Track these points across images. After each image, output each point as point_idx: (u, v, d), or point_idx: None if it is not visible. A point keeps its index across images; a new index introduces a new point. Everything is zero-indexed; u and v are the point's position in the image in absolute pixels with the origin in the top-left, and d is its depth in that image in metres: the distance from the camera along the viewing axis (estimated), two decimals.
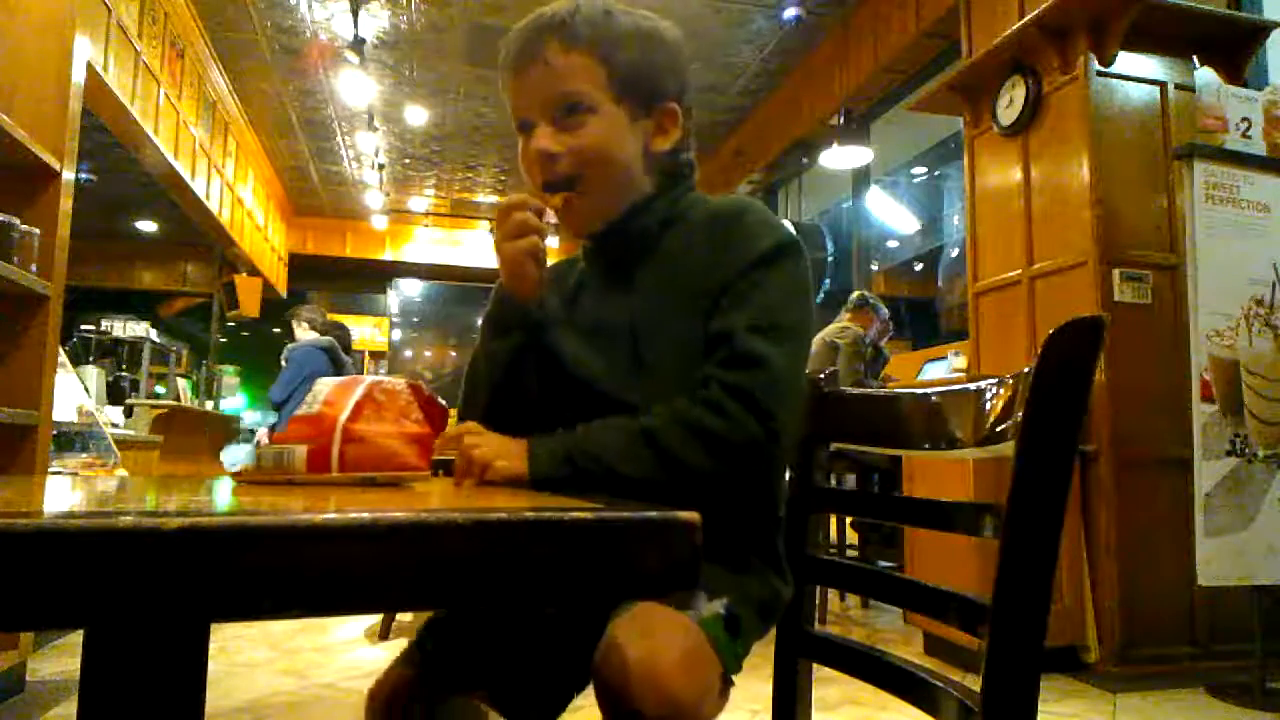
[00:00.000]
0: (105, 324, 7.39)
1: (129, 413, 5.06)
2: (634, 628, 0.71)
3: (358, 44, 5.19)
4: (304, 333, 5.00)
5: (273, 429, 4.89)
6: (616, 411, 0.89)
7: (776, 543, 0.95)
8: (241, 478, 0.76)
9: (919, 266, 9.99)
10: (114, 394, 5.95)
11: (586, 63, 0.91)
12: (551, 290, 1.02)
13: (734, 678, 0.81)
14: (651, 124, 0.95)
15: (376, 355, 11.05)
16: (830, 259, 6.47)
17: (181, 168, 5.53)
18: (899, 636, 3.21)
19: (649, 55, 0.94)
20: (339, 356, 5.02)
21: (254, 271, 8.44)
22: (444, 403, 0.81)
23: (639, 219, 0.96)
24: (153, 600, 0.35)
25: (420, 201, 9.28)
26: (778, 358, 0.83)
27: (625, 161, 0.93)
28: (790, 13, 5.09)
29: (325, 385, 0.76)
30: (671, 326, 0.90)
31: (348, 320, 6.84)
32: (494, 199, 9.16)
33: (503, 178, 8.53)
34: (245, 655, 2.84)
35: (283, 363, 4.93)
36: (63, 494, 0.65)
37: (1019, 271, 3.08)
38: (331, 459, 0.68)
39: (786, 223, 0.94)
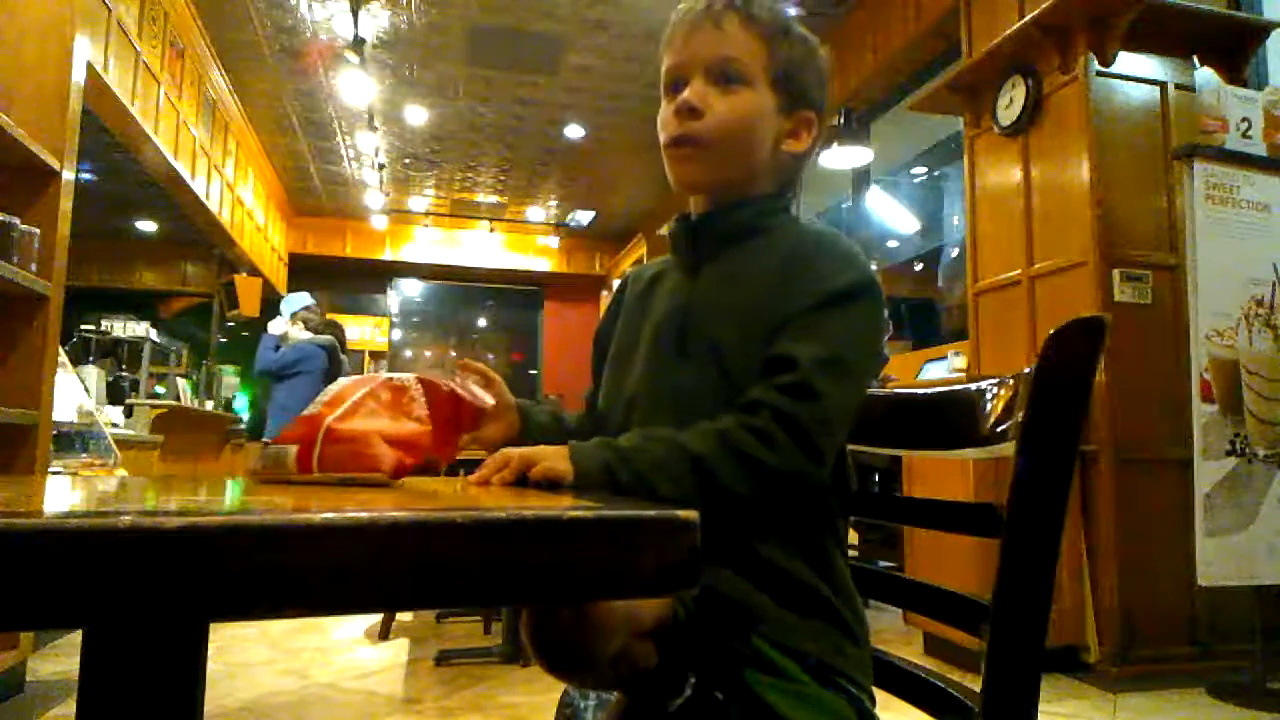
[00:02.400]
0: (105, 324, 7.39)
1: (129, 413, 5.07)
2: None
3: (358, 44, 5.19)
4: (299, 331, 4.99)
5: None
6: (647, 392, 0.93)
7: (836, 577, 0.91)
8: (256, 476, 0.76)
9: (919, 266, 9.98)
10: (114, 394, 5.95)
11: (755, 43, 0.94)
12: (630, 292, 1.07)
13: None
14: (790, 124, 0.97)
15: (376, 355, 11.05)
16: None
17: (181, 168, 5.53)
18: (899, 636, 3.21)
19: (807, 60, 0.98)
20: (338, 357, 5.03)
21: (254, 271, 8.44)
22: (480, 396, 0.80)
23: (742, 211, 0.97)
24: (152, 600, 0.35)
25: (420, 201, 9.28)
26: (835, 395, 0.82)
27: (758, 142, 0.95)
28: (790, 13, 5.09)
29: (338, 384, 0.76)
30: (719, 327, 0.91)
31: (347, 320, 6.84)
32: (494, 199, 9.17)
33: (503, 177, 8.53)
34: (245, 655, 2.84)
35: (269, 332, 4.91)
36: (63, 494, 0.65)
37: (1019, 271, 3.08)
38: (313, 459, 0.68)
39: (870, 263, 0.93)
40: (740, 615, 0.84)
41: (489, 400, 0.84)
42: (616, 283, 1.13)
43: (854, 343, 0.86)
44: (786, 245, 0.93)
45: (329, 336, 5.02)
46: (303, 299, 5.13)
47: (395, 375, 0.75)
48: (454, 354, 11.40)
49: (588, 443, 0.82)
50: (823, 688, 0.82)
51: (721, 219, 0.97)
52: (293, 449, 0.69)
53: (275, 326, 4.96)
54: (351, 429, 0.69)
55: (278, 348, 4.88)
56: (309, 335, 4.97)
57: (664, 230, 1.08)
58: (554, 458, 0.80)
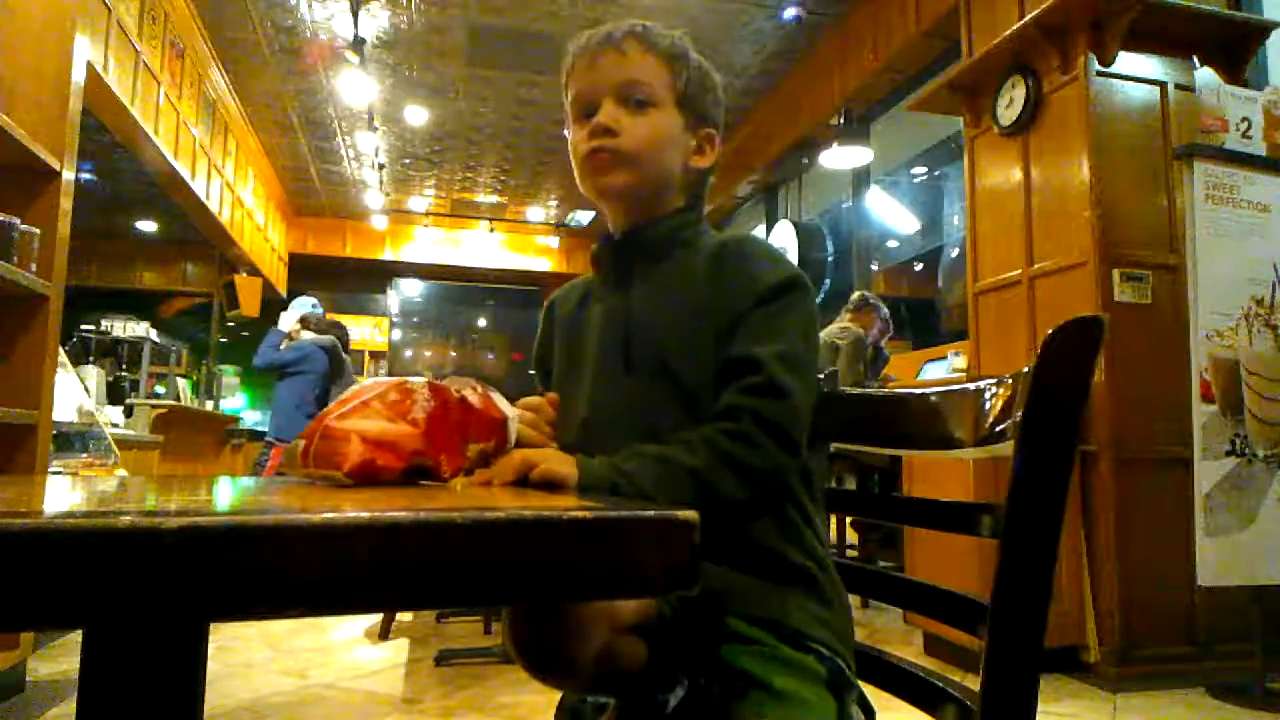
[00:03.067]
0: (105, 324, 7.39)
1: (129, 413, 5.07)
2: None
3: (358, 44, 5.19)
4: (303, 334, 5.04)
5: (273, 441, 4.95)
6: (600, 409, 0.96)
7: (816, 553, 0.95)
8: (283, 470, 0.78)
9: (919, 266, 9.99)
10: (114, 394, 5.95)
11: (658, 66, 1.00)
12: (559, 312, 1.10)
13: None
14: (695, 140, 1.02)
15: (376, 355, 11.05)
16: (830, 259, 6.46)
17: (181, 168, 5.53)
18: (899, 636, 3.21)
19: (705, 81, 1.03)
20: (339, 356, 5.06)
21: (254, 271, 8.44)
22: (497, 405, 0.80)
23: (661, 226, 1.01)
24: (152, 600, 0.35)
25: (420, 201, 9.28)
26: (799, 391, 0.87)
27: (670, 160, 1.00)
28: (790, 13, 5.10)
29: (365, 383, 0.78)
30: (663, 336, 0.94)
31: (347, 320, 6.85)
32: (494, 199, 9.17)
33: (503, 177, 8.54)
34: (245, 655, 2.84)
35: (277, 328, 4.98)
36: (63, 494, 0.65)
37: (1019, 271, 3.08)
38: (309, 454, 0.69)
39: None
40: (720, 599, 0.87)
41: (509, 411, 0.84)
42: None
43: (801, 336, 0.92)
44: (710, 252, 0.97)
45: (329, 337, 5.06)
46: (310, 302, 5.19)
47: (411, 379, 0.76)
48: (454, 354, 11.40)
49: (594, 459, 0.84)
50: (795, 650, 0.85)
51: (644, 234, 1.01)
52: (300, 444, 0.71)
53: (285, 322, 5.02)
54: (340, 427, 0.70)
55: (280, 346, 4.93)
56: (311, 335, 5.01)
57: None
58: (557, 460, 0.81)
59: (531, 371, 1.16)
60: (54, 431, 2.62)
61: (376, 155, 7.34)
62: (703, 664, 0.85)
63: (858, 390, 1.08)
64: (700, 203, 1.06)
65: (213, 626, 0.52)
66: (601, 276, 1.06)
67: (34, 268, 2.24)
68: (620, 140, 0.97)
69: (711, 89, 1.04)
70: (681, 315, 0.94)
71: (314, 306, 5.17)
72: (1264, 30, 2.97)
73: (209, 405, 8.02)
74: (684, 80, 1.00)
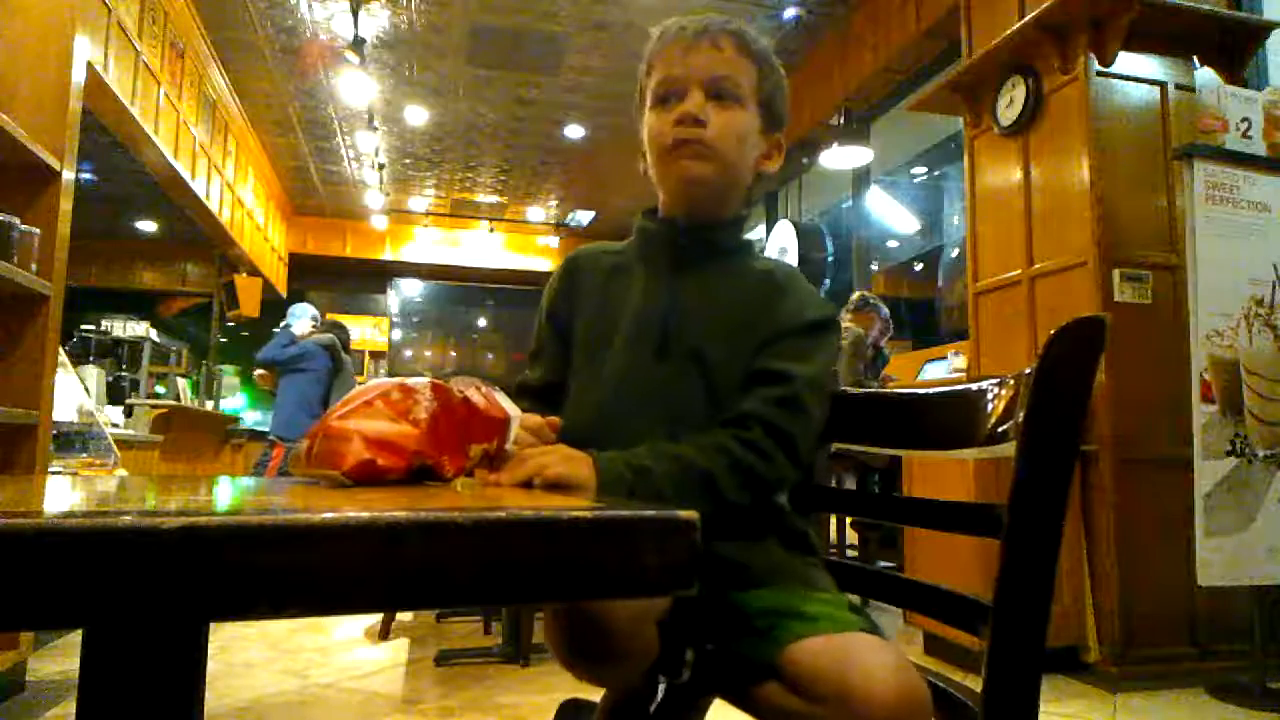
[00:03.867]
0: (105, 324, 7.40)
1: (129, 413, 5.07)
2: (874, 662, 0.75)
3: (358, 44, 5.19)
4: (304, 333, 5.11)
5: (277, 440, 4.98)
6: (627, 389, 0.98)
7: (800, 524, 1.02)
8: (282, 468, 0.79)
9: (919, 266, 9.99)
10: (114, 394, 5.96)
11: (749, 66, 1.02)
12: (584, 273, 1.09)
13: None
14: (766, 145, 1.05)
15: (376, 355, 11.05)
16: (830, 259, 6.46)
17: (181, 168, 5.53)
18: (899, 636, 3.21)
19: (782, 90, 1.06)
20: (339, 355, 5.08)
21: (254, 271, 8.44)
22: (499, 404, 0.80)
23: (728, 230, 1.04)
24: (152, 600, 0.35)
25: (420, 201, 9.28)
26: (816, 413, 0.93)
27: (746, 158, 1.02)
28: (790, 13, 5.10)
29: (372, 383, 0.78)
30: (705, 337, 0.97)
31: (347, 320, 6.86)
32: (494, 199, 9.17)
33: (503, 177, 8.53)
34: (245, 655, 2.84)
35: (288, 327, 5.09)
36: (63, 494, 0.65)
37: (1019, 271, 3.08)
38: (312, 454, 0.69)
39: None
40: (728, 573, 0.90)
41: (512, 411, 0.84)
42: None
43: (827, 368, 0.97)
44: (762, 271, 1.02)
45: (329, 335, 5.10)
46: (311, 311, 5.28)
47: (414, 379, 0.76)
48: (454, 354, 11.40)
49: (609, 457, 0.84)
50: (812, 589, 0.91)
51: (709, 234, 1.03)
52: (304, 444, 0.71)
53: (300, 327, 5.09)
54: (341, 426, 0.70)
55: (286, 346, 5.01)
56: (314, 336, 5.08)
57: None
58: (566, 461, 0.80)
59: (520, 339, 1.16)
60: (54, 431, 2.62)
61: (376, 155, 7.34)
62: (713, 627, 0.88)
63: (858, 390, 1.08)
64: (750, 210, 1.10)
65: (213, 626, 0.52)
66: (647, 255, 1.06)
67: (34, 268, 2.23)
68: (706, 132, 0.98)
69: (786, 98, 1.06)
70: (730, 321, 0.98)
71: (313, 317, 5.25)
72: (1264, 30, 2.97)
73: (209, 405, 8.01)
74: (769, 84, 1.03)
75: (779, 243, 6.26)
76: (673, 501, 0.83)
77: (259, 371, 5.19)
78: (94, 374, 4.81)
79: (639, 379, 0.98)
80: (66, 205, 2.42)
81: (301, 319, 5.15)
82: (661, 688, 0.92)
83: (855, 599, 0.94)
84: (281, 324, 5.20)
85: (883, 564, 3.72)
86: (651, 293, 1.02)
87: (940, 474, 2.83)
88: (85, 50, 2.56)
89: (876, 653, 0.76)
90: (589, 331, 1.04)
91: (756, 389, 0.92)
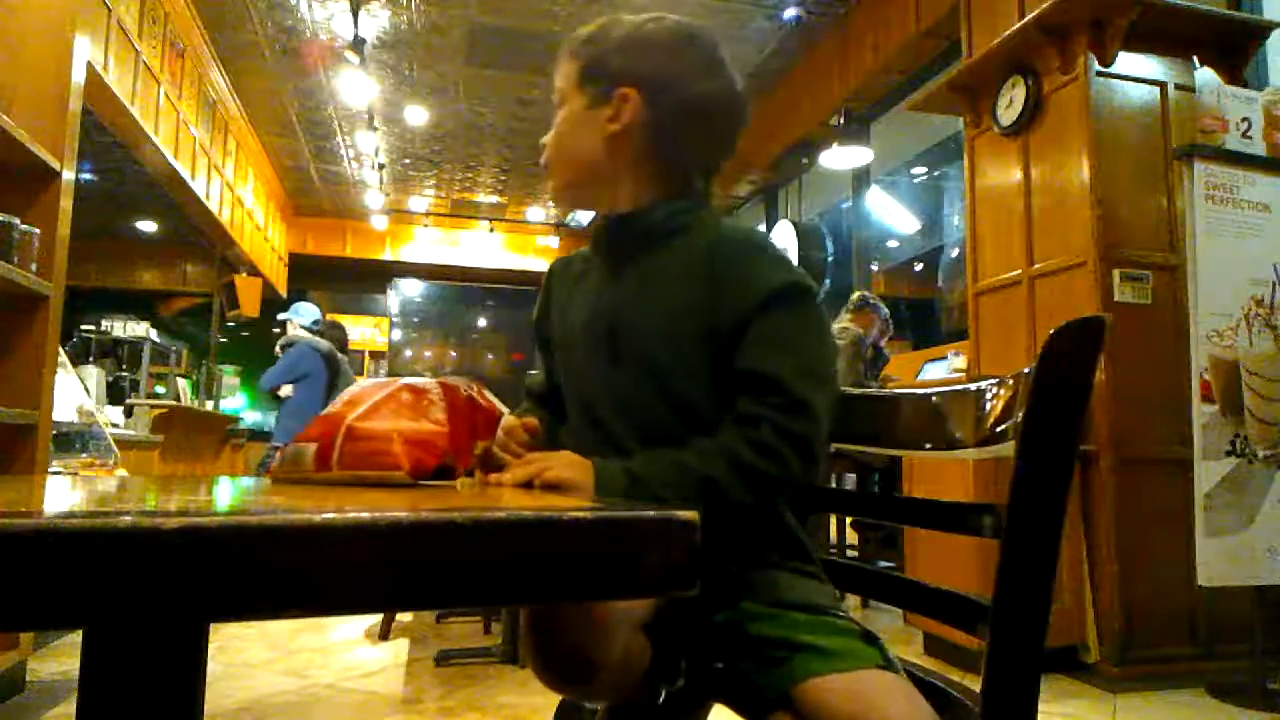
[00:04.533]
0: (105, 324, 7.40)
1: (129, 413, 5.07)
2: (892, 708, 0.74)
3: (358, 44, 5.19)
4: (299, 332, 5.06)
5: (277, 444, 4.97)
6: (595, 396, 0.96)
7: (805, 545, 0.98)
8: (274, 475, 0.77)
9: (919, 266, 9.99)
10: (114, 394, 5.96)
11: (569, 65, 1.00)
12: (557, 281, 1.09)
13: None
14: (609, 110, 0.95)
15: (376, 355, 11.05)
16: (830, 259, 6.46)
17: (181, 168, 5.53)
18: (899, 636, 3.21)
19: (619, 42, 0.97)
20: (335, 358, 5.07)
21: (254, 271, 8.44)
22: (497, 404, 0.81)
23: (652, 214, 0.97)
24: (152, 600, 0.35)
25: (420, 201, 9.28)
26: (820, 402, 0.86)
27: (582, 145, 0.98)
28: (790, 13, 5.10)
29: (358, 386, 0.77)
30: (648, 339, 0.93)
31: (347, 320, 6.86)
32: (494, 199, 9.17)
33: (503, 177, 8.53)
34: (245, 655, 2.84)
35: (278, 352, 5.03)
36: (63, 494, 0.65)
37: (1019, 271, 3.08)
38: (332, 457, 0.69)
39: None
40: (727, 586, 0.88)
41: (502, 407, 0.84)
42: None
43: (819, 349, 0.90)
44: (707, 244, 0.93)
45: (326, 343, 5.08)
46: (311, 313, 5.23)
47: (415, 379, 0.76)
48: (454, 354, 11.40)
49: (610, 464, 0.84)
50: (820, 616, 0.87)
51: (635, 221, 0.98)
52: (311, 447, 0.70)
53: (294, 329, 5.05)
54: (372, 428, 0.70)
55: (283, 371, 4.96)
56: (306, 336, 5.04)
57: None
58: (568, 464, 0.81)
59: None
60: (54, 431, 2.62)
61: (376, 155, 7.34)
62: (721, 646, 0.85)
63: (858, 390, 1.08)
64: (690, 187, 0.99)
65: (213, 626, 0.52)
66: (598, 257, 1.04)
67: (34, 268, 2.23)
68: (545, 155, 1.00)
69: (633, 44, 0.97)
70: (670, 311, 0.92)
71: (315, 321, 5.22)
72: (1264, 30, 2.97)
73: (209, 405, 8.01)
74: (584, 58, 0.98)
75: (779, 243, 6.26)
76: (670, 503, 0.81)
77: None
78: (94, 374, 4.82)
79: (600, 389, 0.97)
80: (66, 205, 2.42)
81: (299, 318, 5.12)
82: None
83: (865, 627, 0.91)
84: (281, 341, 5.15)
85: (883, 564, 3.72)
86: (600, 296, 0.99)
87: (940, 474, 2.83)
88: (85, 50, 2.56)
89: (894, 697, 0.75)
90: (561, 341, 1.05)
91: (748, 394, 0.86)
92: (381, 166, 7.57)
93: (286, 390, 4.90)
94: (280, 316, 5.16)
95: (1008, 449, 0.73)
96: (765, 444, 0.83)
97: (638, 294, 0.95)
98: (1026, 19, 2.96)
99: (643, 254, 0.97)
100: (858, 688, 0.76)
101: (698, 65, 0.97)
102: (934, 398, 0.91)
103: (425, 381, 0.76)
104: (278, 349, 5.02)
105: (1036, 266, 3.00)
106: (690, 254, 0.93)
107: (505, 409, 0.87)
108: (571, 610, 0.74)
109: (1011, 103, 3.13)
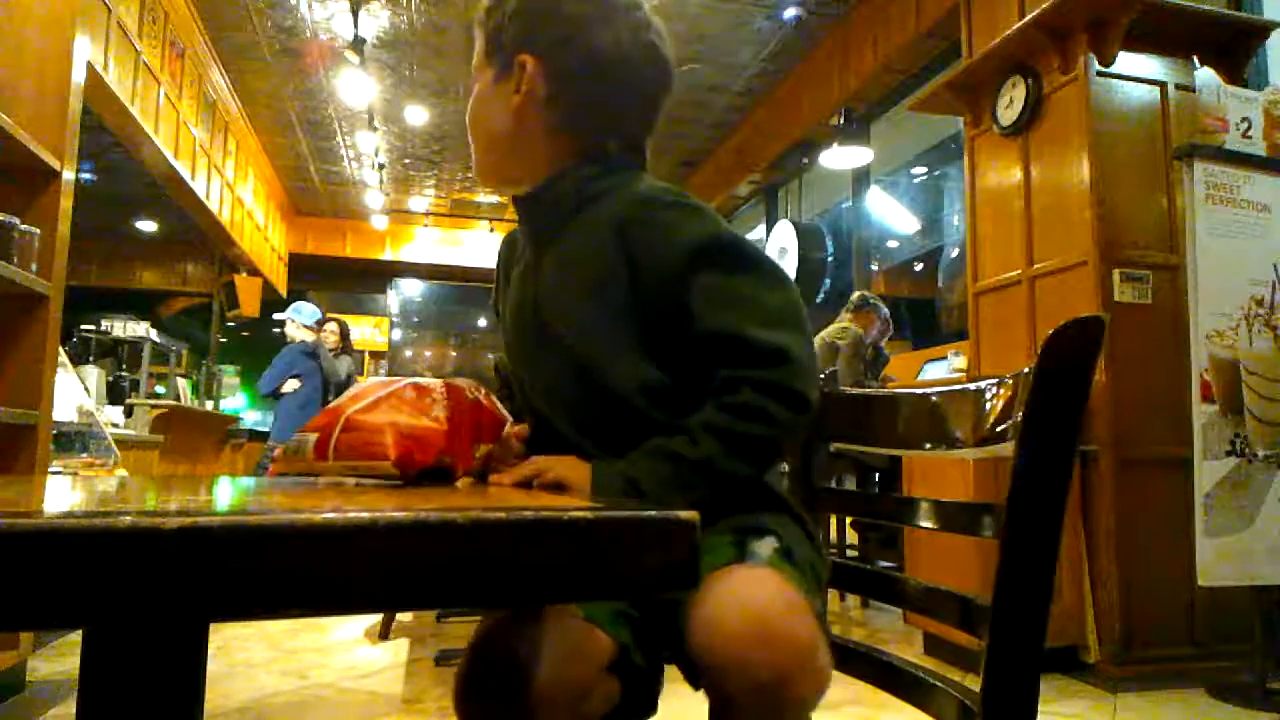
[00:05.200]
0: (105, 324, 7.39)
1: (129, 413, 5.07)
2: (720, 590, 0.68)
3: (358, 44, 5.19)
4: (297, 331, 5.14)
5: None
6: (530, 382, 0.93)
7: (774, 490, 0.91)
8: (274, 466, 0.78)
9: (919, 266, 9.99)
10: (114, 394, 5.96)
11: (480, 38, 0.96)
12: (504, 259, 1.05)
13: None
14: (512, 83, 0.91)
15: (376, 355, 11.05)
16: (830, 259, 6.46)
17: (181, 168, 5.53)
18: (899, 636, 3.21)
19: (519, 10, 0.92)
20: (321, 353, 5.13)
21: (254, 271, 8.44)
22: (504, 412, 0.81)
23: (549, 192, 0.92)
24: (152, 600, 0.35)
25: (420, 201, 9.28)
26: (795, 345, 0.81)
27: (492, 120, 0.94)
28: (790, 13, 5.10)
29: (365, 382, 0.78)
30: (574, 308, 0.88)
31: (347, 320, 6.87)
32: (494, 199, 9.17)
33: None
34: (245, 655, 2.84)
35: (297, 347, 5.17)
36: (63, 494, 0.65)
37: (1019, 271, 3.08)
38: (329, 446, 0.69)
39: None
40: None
41: (507, 415, 0.84)
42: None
43: (771, 295, 0.83)
44: (616, 210, 0.87)
45: (314, 340, 5.15)
46: (308, 312, 5.29)
47: (422, 379, 0.77)
48: (454, 354, 11.40)
49: (607, 465, 0.82)
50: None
51: (543, 195, 0.92)
52: (312, 437, 0.71)
53: (294, 329, 5.12)
54: (369, 420, 0.70)
55: (275, 377, 5.04)
56: (304, 335, 5.10)
57: None
58: (567, 466, 0.80)
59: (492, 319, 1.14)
60: (54, 431, 2.62)
61: (376, 155, 7.34)
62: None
63: (858, 390, 1.07)
64: (603, 151, 0.92)
65: (213, 626, 0.52)
66: (524, 242, 0.99)
67: (34, 268, 2.23)
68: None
69: (519, 12, 0.91)
70: (585, 291, 0.87)
71: (317, 321, 5.29)
72: (1264, 30, 2.97)
73: (209, 405, 8.01)
74: (491, 29, 0.93)
75: (779, 243, 6.26)
76: (672, 502, 0.78)
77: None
78: (94, 374, 4.82)
79: (530, 375, 0.94)
80: (66, 205, 2.42)
81: (300, 318, 5.17)
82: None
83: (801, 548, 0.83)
84: (279, 317, 5.23)
85: (883, 564, 3.72)
86: (524, 279, 0.95)
87: (940, 474, 2.83)
88: (85, 50, 2.56)
89: (714, 592, 0.67)
90: (503, 325, 1.02)
91: (717, 360, 0.81)
92: (381, 166, 7.57)
93: (291, 385, 4.97)
94: (278, 317, 5.23)
95: (1008, 449, 0.73)
96: (747, 406, 0.79)
97: (554, 274, 0.91)
98: (1026, 19, 2.96)
99: (559, 230, 0.91)
100: (713, 583, 0.69)
101: (591, 16, 0.90)
102: (934, 398, 0.91)
103: (430, 381, 0.77)
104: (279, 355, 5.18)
105: (1036, 266, 3.00)
106: (598, 223, 0.87)
107: (508, 416, 0.87)
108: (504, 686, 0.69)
109: (1011, 103, 3.13)
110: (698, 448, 0.80)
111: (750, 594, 0.68)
